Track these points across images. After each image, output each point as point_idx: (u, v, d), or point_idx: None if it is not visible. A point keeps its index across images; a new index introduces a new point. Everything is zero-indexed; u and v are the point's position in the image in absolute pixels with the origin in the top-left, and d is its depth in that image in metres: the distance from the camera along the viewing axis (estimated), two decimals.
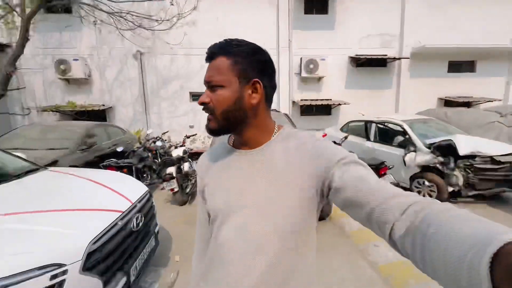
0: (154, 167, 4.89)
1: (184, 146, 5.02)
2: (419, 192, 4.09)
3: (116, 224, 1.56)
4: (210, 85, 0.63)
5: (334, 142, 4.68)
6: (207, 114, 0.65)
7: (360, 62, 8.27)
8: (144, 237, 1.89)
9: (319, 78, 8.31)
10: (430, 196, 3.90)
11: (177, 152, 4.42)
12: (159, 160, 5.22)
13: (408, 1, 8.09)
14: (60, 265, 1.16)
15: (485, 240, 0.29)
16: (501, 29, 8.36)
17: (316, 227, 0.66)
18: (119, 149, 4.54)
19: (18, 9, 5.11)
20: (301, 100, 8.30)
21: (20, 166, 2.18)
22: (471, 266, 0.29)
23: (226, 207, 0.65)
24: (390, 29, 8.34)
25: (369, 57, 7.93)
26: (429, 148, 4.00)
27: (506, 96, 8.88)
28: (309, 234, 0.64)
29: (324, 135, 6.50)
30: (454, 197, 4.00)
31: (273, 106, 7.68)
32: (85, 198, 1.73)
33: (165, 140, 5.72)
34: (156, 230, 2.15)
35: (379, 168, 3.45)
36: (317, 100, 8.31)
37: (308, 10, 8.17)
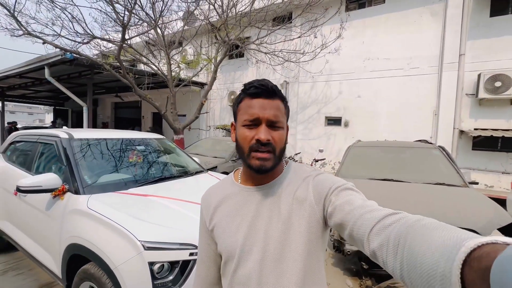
0: None
1: None
2: None
3: None
4: (274, 124, 0.64)
5: None
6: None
7: None
8: None
9: None
10: None
11: None
12: None
13: None
14: (197, 247, 1.56)
15: (454, 248, 0.31)
16: None
17: (324, 248, 0.71)
18: None
19: (213, 60, 7.50)
20: (475, 129, 6.14)
21: (195, 167, 3.12)
22: (443, 274, 0.30)
23: (243, 248, 0.66)
24: None
25: None
26: None
27: None
28: (320, 255, 0.68)
29: None
30: None
31: (427, 135, 6.33)
32: None
33: (296, 161, 6.11)
34: None
35: None
36: (506, 130, 5.83)
37: (497, 10, 6.10)
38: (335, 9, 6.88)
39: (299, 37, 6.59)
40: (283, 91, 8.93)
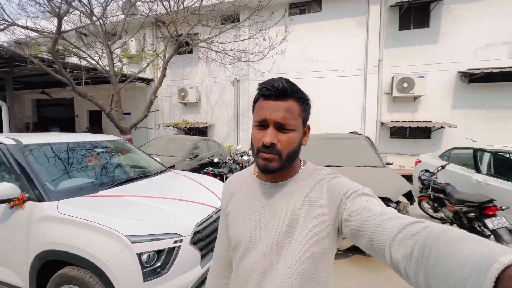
0: None
1: None
2: None
3: (211, 216, 2.12)
4: (283, 127, 0.63)
5: (427, 171, 4.15)
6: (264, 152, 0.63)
7: (475, 77, 6.89)
8: None
9: (415, 98, 7.43)
10: None
11: None
12: None
13: None
14: (179, 235, 1.75)
15: (485, 262, 0.30)
16: None
17: (333, 256, 0.68)
18: (215, 160, 5.57)
19: (161, 55, 7.24)
20: (391, 121, 7.60)
21: (158, 166, 3.17)
22: None
23: (249, 239, 0.68)
24: None
25: (490, 70, 6.52)
26: None
27: None
28: (327, 263, 0.65)
29: (418, 162, 5.73)
30: None
31: (357, 127, 7.48)
32: (193, 194, 2.41)
33: (250, 155, 6.52)
34: None
35: (484, 207, 2.86)
36: (412, 121, 7.41)
37: (403, 26, 7.61)
38: (280, 13, 7.46)
39: (249, 38, 6.93)
40: (233, 89, 9.24)
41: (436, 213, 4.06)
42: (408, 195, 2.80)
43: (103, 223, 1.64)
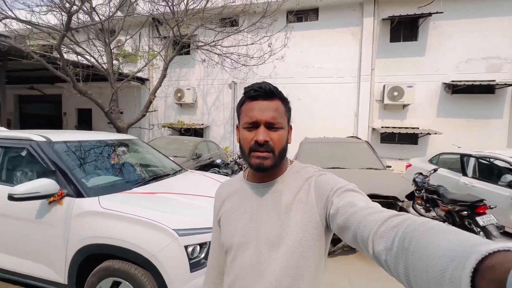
0: None
1: None
2: None
3: None
4: (273, 126, 0.66)
5: (421, 174, 4.46)
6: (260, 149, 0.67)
7: (457, 89, 7.49)
8: None
9: (404, 106, 7.93)
10: None
11: None
12: None
13: None
14: None
15: (463, 253, 0.30)
16: None
17: (326, 252, 0.70)
18: (218, 161, 5.66)
19: (163, 54, 7.23)
20: (382, 127, 8.05)
21: (174, 166, 3.23)
22: (452, 280, 0.29)
23: (241, 239, 0.69)
24: (500, 52, 7.33)
25: (470, 83, 7.12)
26: None
27: None
28: (318, 260, 0.66)
29: (409, 166, 6.13)
30: None
31: (350, 132, 7.85)
32: None
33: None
34: None
35: (476, 206, 3.19)
36: (400, 128, 7.89)
37: (394, 38, 8.13)
38: (280, 20, 7.70)
39: (253, 43, 7.10)
40: (231, 92, 9.36)
41: (428, 213, 4.40)
42: (410, 195, 3.06)
43: (150, 218, 1.72)
